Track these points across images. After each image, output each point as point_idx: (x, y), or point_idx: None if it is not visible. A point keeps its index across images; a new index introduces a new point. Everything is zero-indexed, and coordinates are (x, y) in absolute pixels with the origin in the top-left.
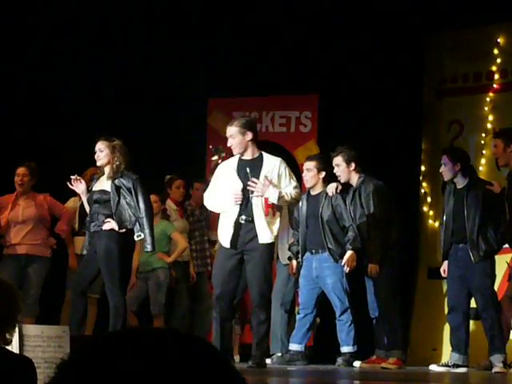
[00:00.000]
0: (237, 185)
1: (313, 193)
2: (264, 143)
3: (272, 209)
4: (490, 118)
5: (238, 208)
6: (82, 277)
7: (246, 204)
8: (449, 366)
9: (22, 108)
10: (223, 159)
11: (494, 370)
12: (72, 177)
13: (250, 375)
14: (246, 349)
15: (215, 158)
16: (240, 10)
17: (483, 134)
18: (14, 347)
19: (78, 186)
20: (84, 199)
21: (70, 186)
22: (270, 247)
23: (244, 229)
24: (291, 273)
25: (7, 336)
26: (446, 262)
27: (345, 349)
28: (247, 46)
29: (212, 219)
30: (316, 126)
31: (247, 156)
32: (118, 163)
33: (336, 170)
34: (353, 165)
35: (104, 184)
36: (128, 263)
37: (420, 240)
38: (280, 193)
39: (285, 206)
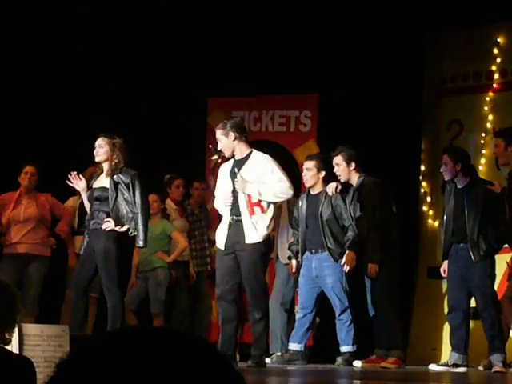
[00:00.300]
0: (228, 186)
1: (312, 192)
2: (264, 143)
3: (259, 207)
4: (490, 117)
5: (229, 209)
6: (82, 276)
7: (235, 204)
8: (448, 366)
9: (22, 107)
10: (223, 159)
11: (493, 370)
12: (71, 174)
13: (249, 375)
14: (246, 348)
15: (215, 157)
16: (240, 9)
17: (483, 134)
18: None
19: (78, 183)
20: (84, 197)
21: (69, 183)
22: (260, 246)
23: (234, 229)
24: (291, 272)
25: (6, 336)
26: (446, 262)
27: (344, 348)
28: (247, 45)
29: (212, 218)
30: (316, 125)
31: (238, 156)
32: (116, 161)
33: (336, 170)
34: (353, 164)
35: (104, 181)
36: (127, 263)
37: (420, 239)
38: (260, 188)
39: (284, 205)
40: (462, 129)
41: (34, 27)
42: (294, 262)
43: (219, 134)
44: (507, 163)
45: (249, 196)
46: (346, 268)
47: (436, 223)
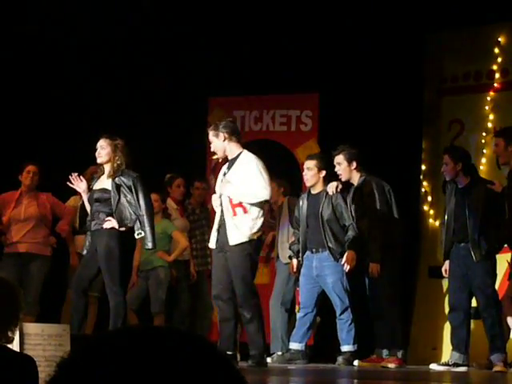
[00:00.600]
0: (217, 187)
1: (313, 192)
2: (264, 142)
3: (241, 207)
4: (491, 117)
5: (220, 209)
6: (83, 276)
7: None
8: (449, 365)
9: (23, 106)
10: (223, 158)
11: (494, 370)
12: (72, 175)
13: (250, 374)
14: (246, 348)
15: (216, 156)
16: (241, 8)
17: (484, 133)
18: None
19: (79, 184)
20: (85, 198)
21: (70, 184)
22: (245, 246)
23: (223, 229)
24: (292, 272)
25: (9, 334)
26: (447, 262)
27: (345, 348)
28: (248, 44)
29: (212, 218)
30: (316, 124)
31: (229, 156)
32: (118, 162)
33: (337, 169)
34: (354, 164)
35: (104, 183)
36: (128, 262)
37: (421, 239)
38: (238, 189)
39: (285, 205)
40: (463, 128)
41: (35, 26)
42: (294, 261)
43: (211, 135)
44: (507, 162)
45: (230, 197)
46: (347, 267)
47: (437, 223)
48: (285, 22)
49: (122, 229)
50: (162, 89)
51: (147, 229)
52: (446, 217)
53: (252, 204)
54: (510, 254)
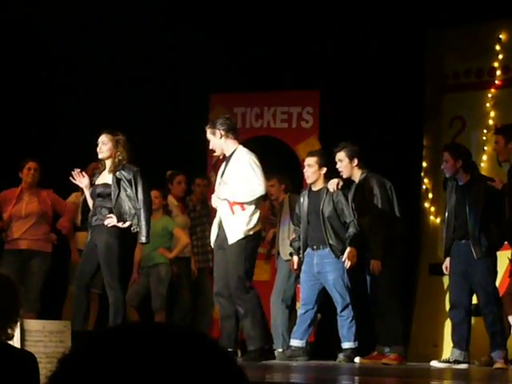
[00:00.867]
0: (216, 187)
1: (314, 189)
2: (265, 139)
3: (239, 205)
4: (492, 114)
5: (219, 207)
6: (84, 271)
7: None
8: (450, 362)
9: (24, 103)
10: (224, 155)
11: (495, 366)
12: (74, 171)
13: (250, 370)
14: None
15: (217, 153)
16: (242, 5)
17: (485, 131)
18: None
19: (81, 179)
20: (87, 193)
21: (72, 180)
22: (239, 242)
23: (222, 227)
24: (292, 269)
25: (9, 331)
26: (448, 259)
27: (346, 345)
28: (249, 41)
29: (213, 215)
30: (317, 121)
31: (227, 154)
32: (120, 157)
33: (338, 166)
34: (355, 160)
35: (106, 178)
36: (129, 259)
37: (421, 236)
38: (232, 190)
39: (286, 202)
40: (464, 125)
41: (36, 23)
42: (295, 258)
43: (208, 133)
44: (507, 160)
45: (228, 200)
46: (347, 264)
47: (438, 220)
48: (285, 19)
49: (123, 225)
50: (164, 86)
51: (143, 223)
52: (446, 214)
53: (251, 201)
54: (510, 251)
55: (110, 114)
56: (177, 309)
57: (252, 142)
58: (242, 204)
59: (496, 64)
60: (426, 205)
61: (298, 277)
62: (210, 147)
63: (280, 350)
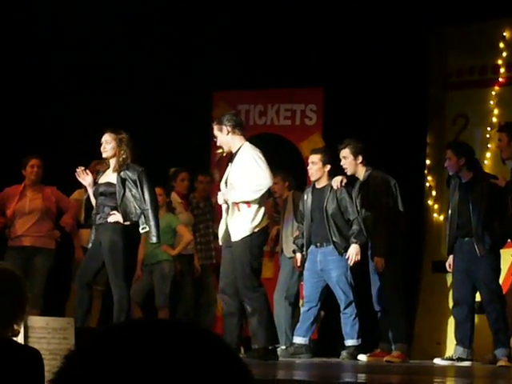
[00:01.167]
0: (222, 185)
1: (318, 186)
2: (269, 136)
3: (245, 203)
4: (496, 111)
5: (225, 207)
6: (87, 269)
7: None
8: (453, 360)
9: (28, 100)
10: (227, 152)
11: (498, 364)
12: (78, 169)
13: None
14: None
15: (220, 151)
16: (246, 3)
17: (488, 128)
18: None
19: (85, 178)
20: (90, 191)
21: (77, 177)
22: (245, 240)
23: (228, 224)
24: (296, 266)
25: (15, 327)
26: (451, 257)
27: (349, 342)
28: (253, 38)
29: (216, 212)
30: (321, 119)
31: (233, 150)
32: (124, 156)
33: (343, 163)
34: (360, 158)
35: (110, 176)
36: (132, 256)
37: (425, 234)
38: (237, 191)
39: (290, 199)
40: (468, 123)
41: (38, 21)
42: (298, 255)
43: (215, 129)
44: (511, 157)
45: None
46: (351, 261)
47: (441, 217)
48: (289, 16)
49: (127, 223)
50: (167, 83)
51: (152, 223)
52: (449, 211)
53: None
54: None
55: (113, 112)
56: (180, 306)
57: (256, 140)
58: (247, 201)
59: (500, 61)
60: (430, 202)
61: (301, 274)
62: (217, 143)
63: (283, 347)
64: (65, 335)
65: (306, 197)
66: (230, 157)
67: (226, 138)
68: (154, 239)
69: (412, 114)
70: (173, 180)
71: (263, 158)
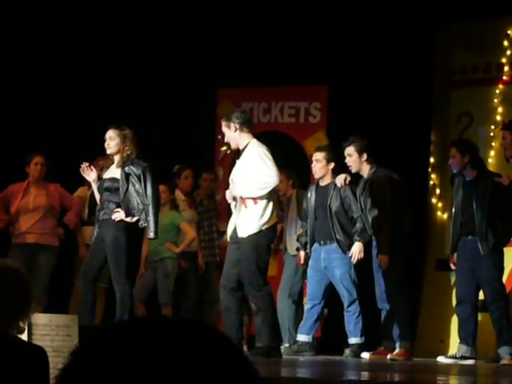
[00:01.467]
0: (231, 180)
1: (322, 184)
2: (273, 134)
3: (251, 199)
4: (500, 109)
5: (233, 204)
6: (90, 265)
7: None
8: (456, 358)
9: (29, 97)
10: (232, 150)
11: (501, 362)
12: (83, 164)
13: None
14: (254, 340)
15: (224, 148)
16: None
17: (492, 126)
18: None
19: (90, 173)
20: (94, 187)
21: (82, 173)
22: (254, 237)
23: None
24: (299, 264)
25: (21, 324)
26: (454, 255)
27: (352, 340)
28: (257, 36)
29: (221, 209)
30: (325, 116)
31: (240, 147)
32: (128, 152)
33: (347, 160)
34: (365, 155)
35: (114, 172)
36: (136, 253)
37: (429, 232)
38: (244, 186)
39: (294, 197)
40: (472, 121)
41: (44, 17)
42: (302, 253)
43: (223, 126)
44: None
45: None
46: (354, 259)
47: (445, 215)
48: (294, 14)
49: (130, 220)
50: (171, 80)
51: (151, 218)
52: (453, 210)
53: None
54: None
55: (118, 108)
56: (184, 303)
57: (260, 137)
58: (254, 198)
59: (504, 60)
60: (434, 200)
61: (304, 272)
62: (225, 140)
63: (287, 345)
64: (68, 332)
65: (309, 195)
66: (237, 153)
67: (233, 134)
68: (151, 235)
69: (416, 112)
70: (177, 177)
71: (270, 156)
